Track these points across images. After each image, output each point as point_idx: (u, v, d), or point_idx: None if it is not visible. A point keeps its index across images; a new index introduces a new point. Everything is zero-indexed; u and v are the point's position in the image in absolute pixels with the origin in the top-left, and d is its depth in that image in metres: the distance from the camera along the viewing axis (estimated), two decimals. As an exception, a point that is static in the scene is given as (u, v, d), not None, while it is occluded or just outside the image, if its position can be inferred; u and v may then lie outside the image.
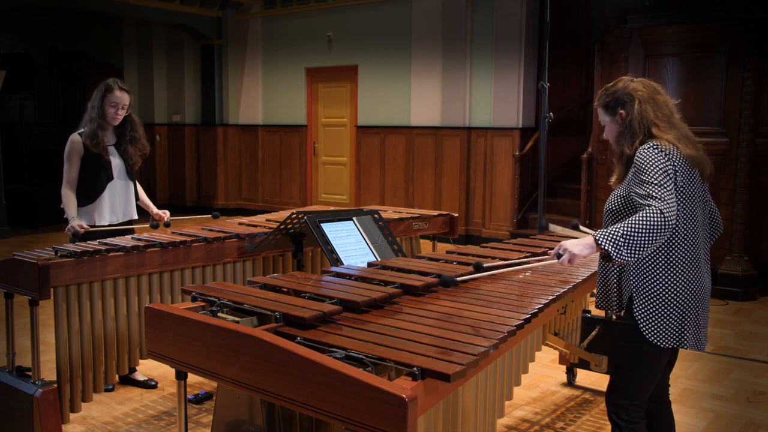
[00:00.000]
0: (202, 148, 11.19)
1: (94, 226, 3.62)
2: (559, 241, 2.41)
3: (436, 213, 4.50)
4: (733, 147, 5.82)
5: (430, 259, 2.94)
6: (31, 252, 2.99)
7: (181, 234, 3.44)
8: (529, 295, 2.41)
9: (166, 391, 3.76)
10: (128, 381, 3.78)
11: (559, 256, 2.25)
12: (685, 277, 2.23)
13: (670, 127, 2.28)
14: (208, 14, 10.61)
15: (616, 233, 2.09)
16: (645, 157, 2.19)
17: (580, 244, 2.20)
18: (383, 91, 9.17)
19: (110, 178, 3.66)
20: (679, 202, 2.19)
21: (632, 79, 2.37)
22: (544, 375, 4.08)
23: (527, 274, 2.79)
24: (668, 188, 2.13)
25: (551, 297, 2.40)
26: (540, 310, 2.28)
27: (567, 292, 2.55)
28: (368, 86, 9.33)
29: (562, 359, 3.98)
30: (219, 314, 2.09)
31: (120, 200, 3.72)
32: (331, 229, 3.07)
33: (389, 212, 4.40)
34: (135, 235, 3.39)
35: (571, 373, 3.97)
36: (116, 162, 3.69)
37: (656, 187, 2.13)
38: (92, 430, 3.29)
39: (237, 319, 2.05)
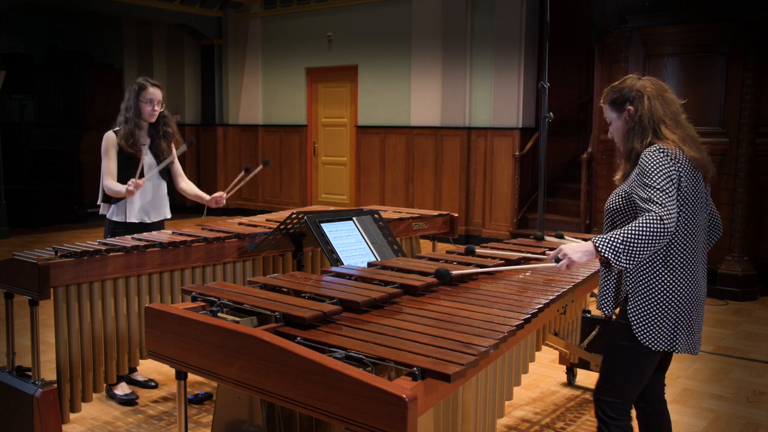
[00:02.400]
0: (202, 148, 11.19)
1: (125, 223, 3.63)
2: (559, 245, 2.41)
3: (436, 213, 4.50)
4: (733, 147, 5.82)
5: (430, 259, 2.94)
6: (31, 252, 2.99)
7: (181, 234, 3.44)
8: (529, 295, 2.41)
9: (166, 391, 3.76)
10: (128, 381, 3.78)
11: (558, 260, 2.26)
12: (681, 281, 2.21)
13: (677, 125, 2.27)
14: (208, 14, 10.61)
15: (615, 240, 2.09)
16: (650, 159, 2.18)
17: (580, 250, 2.21)
18: (383, 91, 9.17)
19: (141, 176, 3.64)
20: (681, 206, 2.18)
21: (639, 77, 2.36)
22: (544, 375, 4.08)
23: (527, 274, 2.79)
24: (670, 194, 2.12)
25: (551, 297, 2.40)
26: (540, 310, 2.28)
27: (567, 292, 2.55)
28: (368, 86, 9.33)
29: (562, 359, 3.98)
30: (219, 314, 2.09)
31: (150, 199, 3.70)
32: (331, 229, 3.07)
33: (389, 212, 4.39)
34: (135, 235, 3.38)
35: (571, 373, 3.97)
36: (148, 161, 3.69)
37: (658, 192, 2.12)
38: (92, 430, 3.29)
39: (237, 319, 2.05)
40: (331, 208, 4.03)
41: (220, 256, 3.41)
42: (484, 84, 8.29)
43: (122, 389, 3.60)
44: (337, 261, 2.93)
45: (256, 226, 3.75)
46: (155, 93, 3.64)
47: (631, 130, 2.29)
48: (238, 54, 10.79)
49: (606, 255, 2.10)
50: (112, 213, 3.66)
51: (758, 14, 5.71)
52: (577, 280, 2.70)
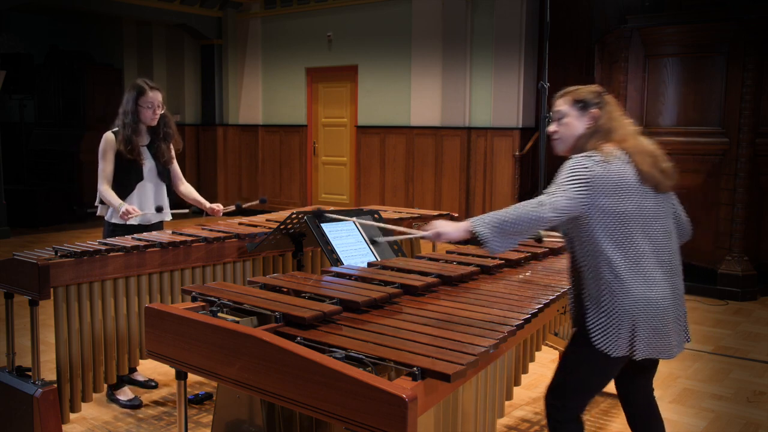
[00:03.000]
0: (202, 148, 11.19)
1: (125, 226, 3.57)
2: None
3: (436, 213, 4.50)
4: (733, 147, 5.82)
5: (430, 259, 2.94)
6: (31, 252, 2.98)
7: (181, 234, 3.44)
8: (529, 295, 2.42)
9: (166, 391, 3.76)
10: (129, 381, 3.77)
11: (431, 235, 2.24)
12: (634, 287, 2.12)
13: (634, 137, 2.27)
14: (208, 14, 10.61)
15: (489, 219, 2.10)
16: (570, 163, 2.18)
17: (453, 226, 2.19)
18: (383, 91, 9.17)
19: (140, 178, 3.60)
20: (610, 215, 2.12)
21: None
22: (544, 375, 4.08)
23: (528, 274, 2.79)
24: (566, 193, 2.10)
25: (551, 297, 2.40)
26: (540, 310, 2.28)
27: (567, 292, 2.55)
28: (368, 86, 9.33)
29: (562, 359, 3.98)
30: (219, 314, 2.09)
31: (149, 202, 3.65)
32: (331, 229, 3.07)
33: (389, 212, 4.40)
34: (135, 235, 3.38)
35: (571, 373, 3.96)
36: (148, 163, 3.63)
37: (554, 186, 2.13)
38: (92, 430, 3.29)
39: (237, 319, 2.05)
40: (331, 208, 4.03)
41: (220, 256, 3.41)
42: (484, 84, 8.29)
43: (125, 395, 3.58)
44: (337, 261, 2.93)
45: (256, 226, 3.75)
46: (155, 97, 3.56)
47: (593, 131, 2.27)
48: (238, 54, 10.79)
49: (477, 231, 2.09)
50: (110, 215, 3.60)
51: (758, 14, 5.70)
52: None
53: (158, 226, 3.75)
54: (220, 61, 10.89)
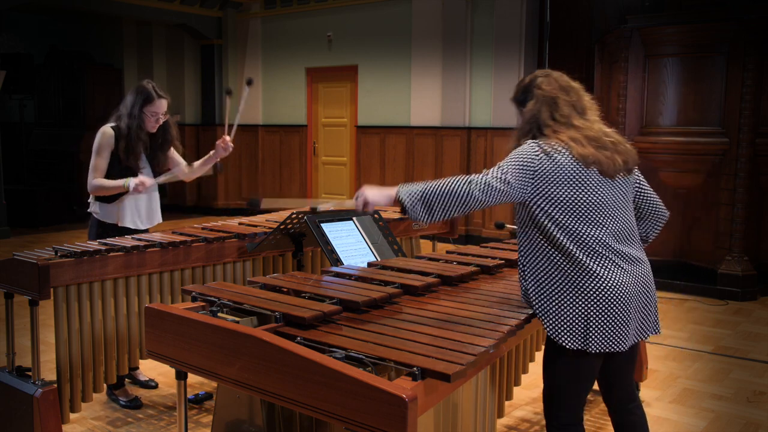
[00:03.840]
0: (202, 148, 11.18)
1: (116, 227, 3.50)
2: None
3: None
4: (733, 147, 5.82)
5: (430, 259, 2.94)
6: (31, 252, 2.98)
7: (181, 234, 3.44)
8: (529, 295, 2.41)
9: (166, 391, 3.76)
10: (130, 379, 3.77)
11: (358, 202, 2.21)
12: (588, 279, 2.04)
13: (567, 127, 2.14)
14: (208, 14, 10.61)
15: (416, 188, 2.07)
16: (518, 149, 2.13)
17: (380, 192, 2.16)
18: (383, 91, 9.17)
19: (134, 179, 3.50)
20: (558, 201, 2.06)
21: (548, 73, 2.26)
22: (544, 375, 4.08)
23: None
24: (504, 174, 2.05)
25: (551, 297, 2.40)
26: (540, 310, 2.27)
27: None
28: (368, 86, 9.33)
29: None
30: (219, 314, 2.09)
31: (143, 205, 3.57)
32: (331, 229, 3.07)
33: (389, 212, 4.39)
34: (135, 236, 3.37)
35: (571, 373, 3.96)
36: (145, 168, 3.55)
37: (495, 168, 2.08)
38: (92, 430, 3.29)
39: (237, 319, 2.05)
40: (329, 206, 4.03)
41: (220, 256, 3.41)
42: (484, 84, 8.29)
43: (125, 394, 3.57)
44: (337, 261, 2.94)
45: (256, 226, 3.75)
46: (161, 105, 3.47)
47: (521, 129, 2.22)
48: (238, 54, 10.78)
49: (402, 199, 2.06)
50: (101, 214, 3.52)
51: (758, 14, 5.70)
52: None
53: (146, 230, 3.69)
54: (220, 61, 10.89)
